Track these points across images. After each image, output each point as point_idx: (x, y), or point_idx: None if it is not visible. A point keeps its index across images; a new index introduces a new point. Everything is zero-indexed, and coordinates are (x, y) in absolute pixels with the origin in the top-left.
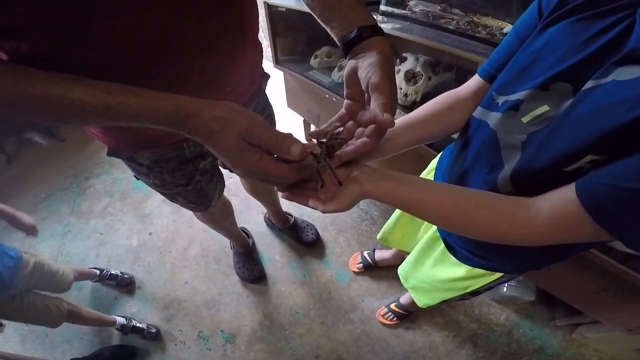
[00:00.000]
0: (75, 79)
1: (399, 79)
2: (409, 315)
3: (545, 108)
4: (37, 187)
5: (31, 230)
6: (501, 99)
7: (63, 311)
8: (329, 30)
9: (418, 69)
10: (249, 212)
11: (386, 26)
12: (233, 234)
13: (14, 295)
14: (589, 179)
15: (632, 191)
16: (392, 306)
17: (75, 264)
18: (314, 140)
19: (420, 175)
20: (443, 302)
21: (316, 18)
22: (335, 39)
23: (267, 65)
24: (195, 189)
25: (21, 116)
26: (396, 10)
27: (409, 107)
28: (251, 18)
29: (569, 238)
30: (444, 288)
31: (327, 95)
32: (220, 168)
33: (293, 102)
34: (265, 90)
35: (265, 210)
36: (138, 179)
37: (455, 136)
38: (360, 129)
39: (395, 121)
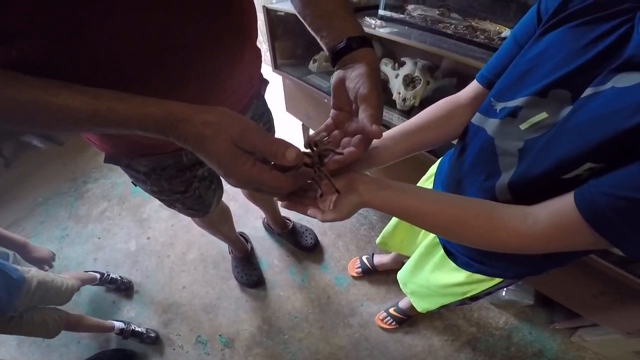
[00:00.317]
0: (63, 85)
1: (398, 83)
2: (407, 319)
3: (543, 115)
4: (35, 190)
5: (46, 262)
6: (499, 106)
7: (61, 323)
8: (318, 40)
9: (416, 73)
10: (247, 216)
11: (384, 30)
12: (231, 238)
13: (12, 316)
14: (588, 188)
15: (631, 200)
16: (391, 310)
17: (72, 268)
18: (305, 149)
19: (420, 181)
20: (442, 306)
21: (307, 26)
22: (325, 48)
23: (266, 69)
24: (194, 196)
25: (5, 122)
26: (395, 15)
27: (408, 112)
28: (250, 22)
29: (568, 246)
30: (443, 293)
31: (326, 100)
32: None
33: (292, 107)
34: (264, 96)
35: (263, 215)
36: (136, 185)
37: (455, 142)
38: (346, 139)
39: (392, 129)
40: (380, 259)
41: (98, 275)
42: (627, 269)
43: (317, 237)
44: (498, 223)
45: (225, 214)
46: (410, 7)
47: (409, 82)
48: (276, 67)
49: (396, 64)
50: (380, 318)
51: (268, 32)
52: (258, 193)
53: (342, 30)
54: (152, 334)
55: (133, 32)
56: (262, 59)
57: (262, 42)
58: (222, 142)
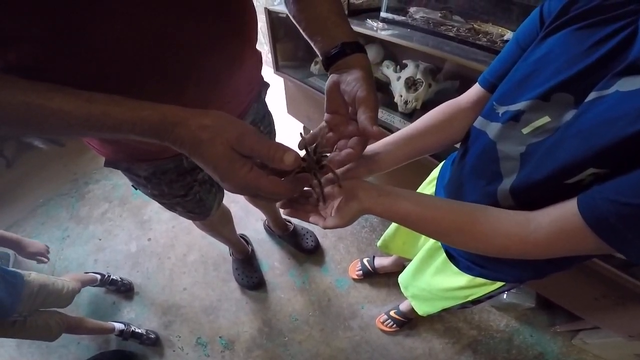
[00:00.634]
0: (57, 88)
1: (400, 85)
2: (408, 322)
3: (546, 119)
4: (36, 191)
5: (42, 255)
6: (502, 109)
7: (62, 325)
8: (312, 44)
9: (418, 76)
10: (248, 218)
11: (386, 33)
12: (232, 241)
13: (15, 320)
14: (591, 194)
15: (635, 207)
16: (392, 313)
17: (73, 269)
18: (302, 152)
19: (422, 185)
20: (443, 310)
21: (301, 31)
22: (318, 53)
23: (267, 71)
24: (194, 200)
25: None
26: (397, 17)
27: (410, 115)
28: (250, 24)
29: (570, 252)
30: (445, 297)
31: None
32: None
33: (293, 109)
34: (265, 99)
35: (264, 217)
36: (136, 189)
37: (457, 145)
38: (342, 141)
39: (394, 134)
40: (381, 261)
41: (98, 277)
42: (629, 272)
43: (317, 239)
44: (499, 229)
45: (226, 216)
46: (412, 9)
47: (411, 84)
48: (277, 69)
49: (398, 67)
50: (381, 321)
51: (269, 34)
52: (255, 199)
53: (336, 35)
54: (152, 336)
55: (132, 34)
56: (264, 60)
57: (264, 44)
58: (219, 146)
